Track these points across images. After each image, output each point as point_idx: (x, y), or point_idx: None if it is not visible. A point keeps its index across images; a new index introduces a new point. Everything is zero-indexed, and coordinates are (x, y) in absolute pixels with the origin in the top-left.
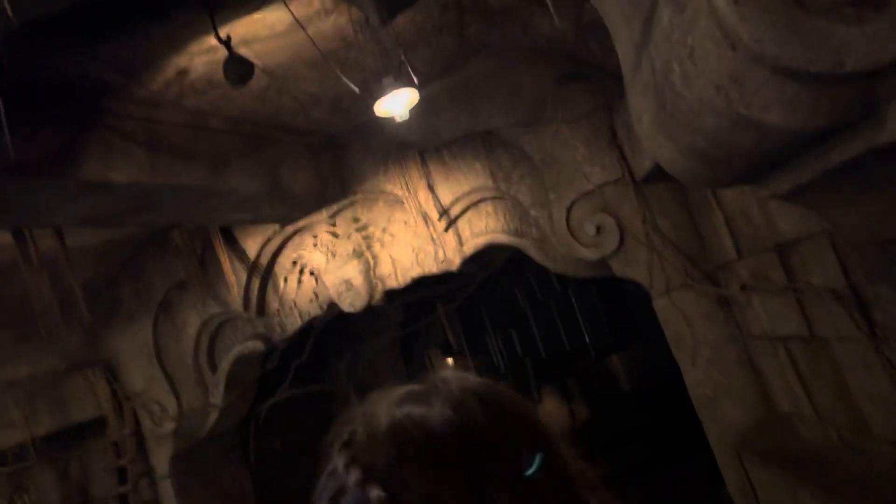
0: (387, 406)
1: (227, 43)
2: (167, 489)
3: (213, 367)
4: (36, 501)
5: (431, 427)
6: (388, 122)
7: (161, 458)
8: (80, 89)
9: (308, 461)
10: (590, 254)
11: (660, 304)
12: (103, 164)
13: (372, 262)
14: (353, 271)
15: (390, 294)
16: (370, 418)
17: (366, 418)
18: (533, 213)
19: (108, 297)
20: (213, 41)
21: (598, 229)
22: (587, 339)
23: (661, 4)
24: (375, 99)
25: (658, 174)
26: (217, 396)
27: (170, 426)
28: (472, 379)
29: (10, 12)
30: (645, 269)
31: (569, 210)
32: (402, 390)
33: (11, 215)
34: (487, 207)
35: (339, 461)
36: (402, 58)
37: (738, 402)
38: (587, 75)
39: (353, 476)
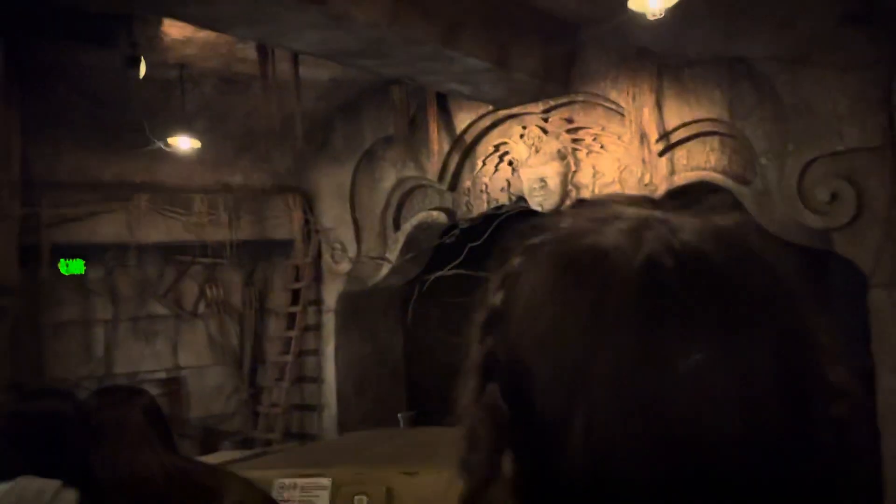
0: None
1: None
2: (330, 321)
3: (397, 226)
4: (222, 296)
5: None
6: (634, 23)
7: (331, 293)
8: None
9: (456, 337)
10: (815, 221)
11: (876, 295)
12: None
13: (573, 167)
14: (551, 171)
15: (582, 203)
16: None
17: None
18: (763, 161)
19: (321, 132)
20: None
21: (834, 196)
22: None
23: None
24: None
25: None
26: (393, 253)
27: (346, 266)
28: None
29: None
30: (873, 252)
31: (806, 167)
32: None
33: (260, 29)
34: (713, 142)
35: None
36: None
37: None
38: (876, 20)
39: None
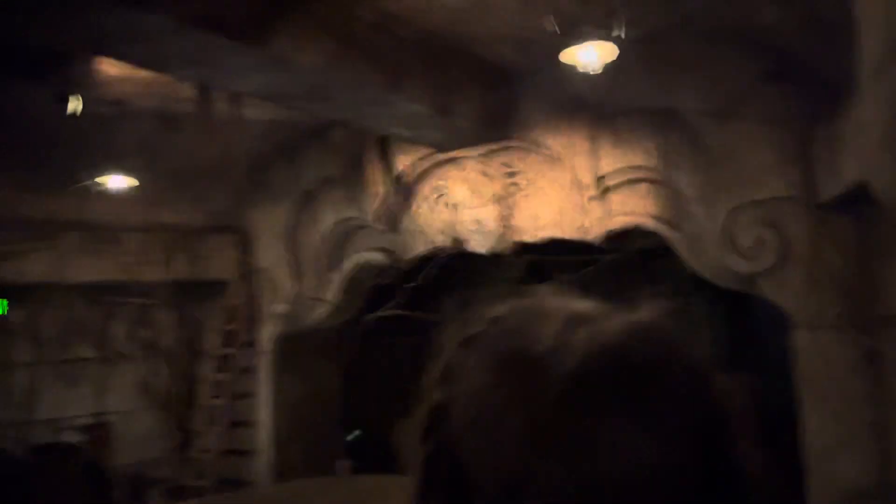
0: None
1: None
2: (265, 363)
3: (335, 266)
4: (152, 337)
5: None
6: (570, 75)
7: (267, 335)
8: None
9: (394, 379)
10: (742, 266)
11: (800, 337)
12: (294, 43)
13: (511, 210)
14: (489, 214)
15: (519, 247)
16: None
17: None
18: (693, 207)
19: (260, 172)
20: None
21: (758, 242)
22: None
23: None
24: (568, 45)
25: (847, 200)
26: (331, 293)
27: (282, 307)
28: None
29: None
30: (796, 296)
31: (733, 214)
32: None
33: (202, 70)
34: (645, 188)
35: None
36: (614, 11)
37: (856, 461)
38: (794, 77)
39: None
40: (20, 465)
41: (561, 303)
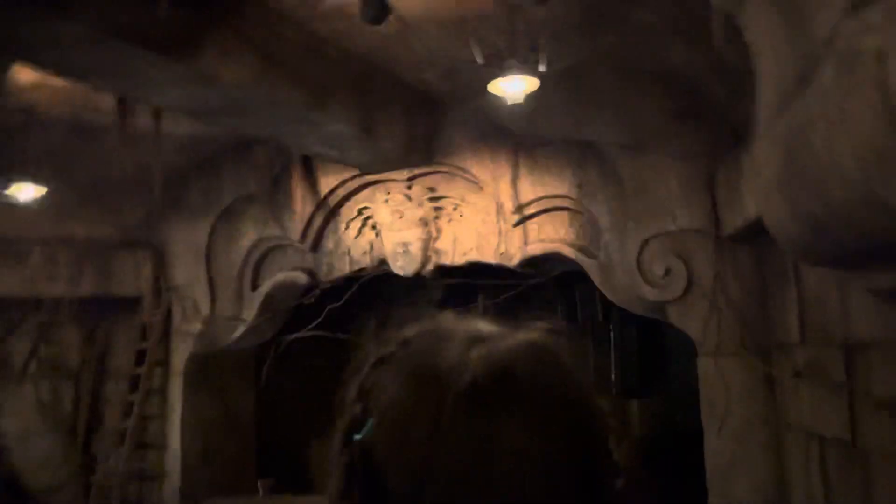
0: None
1: None
2: (177, 384)
3: (254, 286)
4: (57, 355)
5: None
6: (493, 103)
7: (179, 354)
8: None
9: (312, 400)
10: (652, 294)
11: (704, 363)
12: (217, 59)
13: (434, 233)
14: (413, 237)
15: (441, 269)
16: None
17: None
18: (607, 236)
19: (176, 187)
20: None
21: (667, 271)
22: (612, 377)
23: (826, 61)
24: (492, 76)
25: (747, 233)
26: (249, 313)
27: (197, 327)
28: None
29: None
30: (701, 324)
31: (644, 244)
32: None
33: (122, 82)
34: (562, 216)
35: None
36: (537, 45)
37: (752, 481)
38: (703, 115)
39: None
40: None
41: (463, 325)
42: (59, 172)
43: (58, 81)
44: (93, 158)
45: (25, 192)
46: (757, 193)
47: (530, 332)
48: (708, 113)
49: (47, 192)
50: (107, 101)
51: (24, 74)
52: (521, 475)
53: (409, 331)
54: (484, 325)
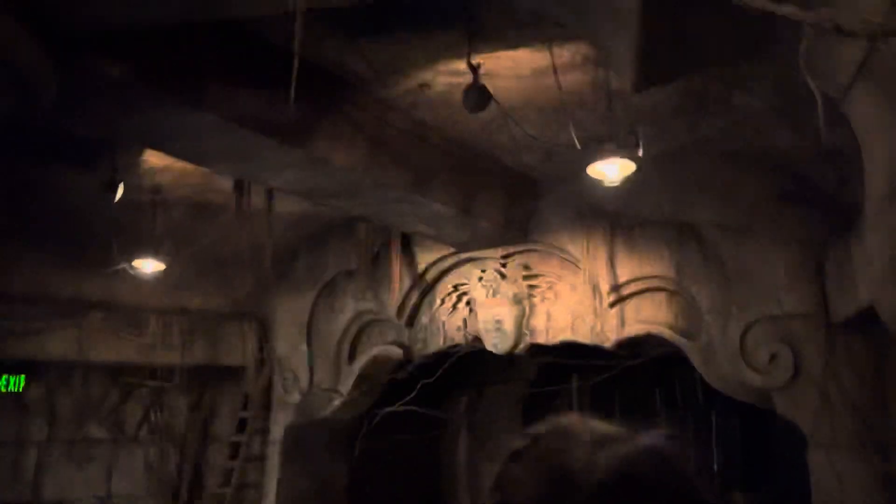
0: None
1: (475, 69)
2: (274, 453)
3: (351, 358)
4: (166, 420)
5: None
6: (591, 185)
7: (279, 424)
8: (329, 73)
9: (404, 475)
10: (756, 380)
11: (816, 457)
12: (329, 144)
13: (528, 312)
14: (507, 314)
15: (534, 348)
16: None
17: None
18: (707, 318)
19: (284, 261)
20: (460, 65)
21: (773, 357)
22: (715, 467)
23: None
24: (590, 158)
25: (860, 321)
26: (345, 386)
27: (296, 397)
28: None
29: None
30: (811, 415)
31: (747, 328)
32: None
33: (242, 166)
34: (660, 297)
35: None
36: (636, 130)
37: None
38: (809, 200)
39: None
40: None
41: (586, 426)
42: (179, 248)
43: (182, 164)
44: (209, 235)
45: (147, 266)
46: (869, 282)
47: (651, 437)
48: (815, 197)
49: (166, 266)
50: (224, 183)
51: (153, 157)
52: None
53: (540, 427)
54: (605, 427)
